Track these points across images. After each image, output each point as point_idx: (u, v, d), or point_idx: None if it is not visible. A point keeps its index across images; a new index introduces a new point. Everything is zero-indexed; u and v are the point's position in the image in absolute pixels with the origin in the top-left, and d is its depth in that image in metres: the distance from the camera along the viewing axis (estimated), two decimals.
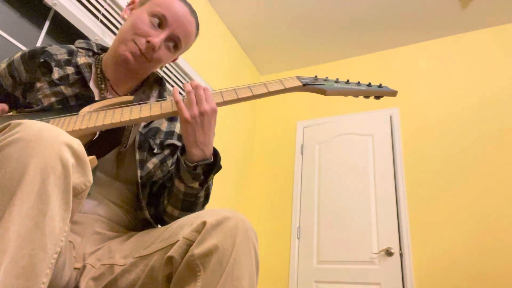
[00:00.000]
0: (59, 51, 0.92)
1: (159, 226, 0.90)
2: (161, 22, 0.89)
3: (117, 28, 1.97)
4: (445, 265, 2.35)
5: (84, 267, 0.75)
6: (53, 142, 0.52)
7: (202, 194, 0.85)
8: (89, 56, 0.95)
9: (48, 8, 1.70)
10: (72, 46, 0.95)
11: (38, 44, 1.64)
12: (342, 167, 2.90)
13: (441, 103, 2.82)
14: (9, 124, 0.54)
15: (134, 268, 0.68)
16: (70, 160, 0.54)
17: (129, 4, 0.96)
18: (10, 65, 0.91)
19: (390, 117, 2.93)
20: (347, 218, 2.71)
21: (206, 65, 2.78)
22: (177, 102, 0.77)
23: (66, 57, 0.91)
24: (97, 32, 1.83)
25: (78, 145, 0.56)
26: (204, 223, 0.62)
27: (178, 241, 0.63)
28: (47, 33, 1.69)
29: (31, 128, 0.52)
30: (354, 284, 2.50)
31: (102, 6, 1.88)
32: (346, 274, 2.55)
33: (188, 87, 0.78)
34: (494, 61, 2.77)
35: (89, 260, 0.76)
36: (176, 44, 0.92)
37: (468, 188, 2.49)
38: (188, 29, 0.91)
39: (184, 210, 0.86)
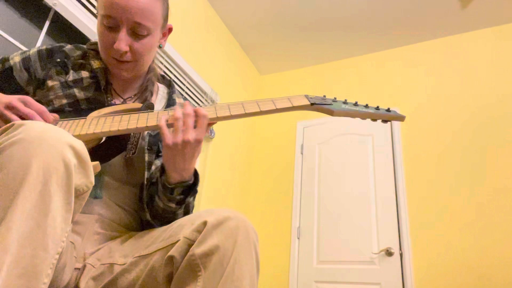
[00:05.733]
0: (75, 53, 0.92)
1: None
2: (113, 22, 0.82)
3: None
4: (445, 265, 2.35)
5: (84, 267, 0.75)
6: (55, 143, 0.52)
7: (180, 211, 0.85)
8: (100, 59, 0.94)
9: (48, 8, 1.70)
10: (85, 47, 0.96)
11: (38, 44, 1.64)
12: (342, 167, 2.90)
13: (441, 103, 2.82)
14: (12, 125, 0.54)
15: (134, 267, 0.68)
16: (73, 161, 0.54)
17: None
18: (25, 60, 0.90)
19: None
20: (347, 218, 2.71)
21: (206, 65, 2.78)
22: (160, 127, 0.75)
23: (81, 60, 0.92)
24: None
25: (81, 146, 0.56)
26: (205, 223, 0.62)
27: (178, 240, 0.63)
28: (47, 33, 1.69)
29: (33, 128, 0.52)
30: (354, 284, 2.50)
31: None
32: (346, 274, 2.55)
33: (178, 114, 0.75)
34: (494, 61, 2.77)
35: (89, 260, 0.76)
36: (140, 29, 0.84)
37: (468, 187, 2.49)
38: (141, 8, 0.82)
39: (162, 222, 0.85)
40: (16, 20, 1.57)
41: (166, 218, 0.85)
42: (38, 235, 0.49)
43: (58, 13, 1.71)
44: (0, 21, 1.50)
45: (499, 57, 2.77)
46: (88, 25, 1.79)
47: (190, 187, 0.82)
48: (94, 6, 1.84)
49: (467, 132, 2.64)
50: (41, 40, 1.66)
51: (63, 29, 1.76)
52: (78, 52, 0.93)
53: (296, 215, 2.91)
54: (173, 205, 0.82)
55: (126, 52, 0.84)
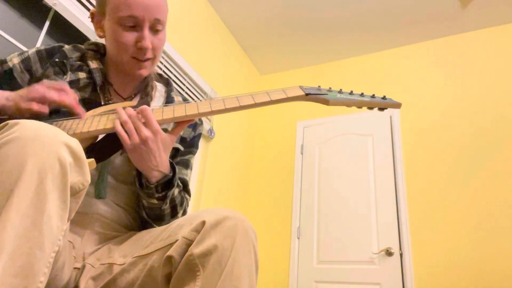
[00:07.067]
0: (74, 54, 0.92)
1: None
2: (134, 21, 0.84)
3: None
4: (445, 265, 2.35)
5: (83, 267, 0.75)
6: (50, 141, 0.52)
7: (166, 207, 0.84)
8: (98, 59, 0.95)
9: (48, 8, 1.70)
10: (83, 48, 0.96)
11: (38, 44, 1.64)
12: (342, 167, 2.90)
13: (441, 103, 2.82)
14: (7, 124, 0.54)
15: (133, 267, 0.68)
16: (68, 159, 0.54)
17: (92, 20, 0.93)
18: (25, 61, 0.89)
19: (390, 117, 2.93)
20: (347, 218, 2.71)
21: (206, 65, 2.78)
22: (118, 133, 0.74)
23: (79, 62, 0.92)
24: None
25: (76, 145, 0.56)
26: (203, 223, 0.62)
27: (177, 240, 0.63)
28: (47, 33, 1.69)
29: (28, 127, 0.52)
30: (354, 284, 2.50)
31: None
32: (346, 274, 2.55)
33: (124, 117, 0.75)
34: (494, 61, 2.77)
35: (88, 260, 0.76)
36: (159, 25, 0.88)
37: (468, 187, 2.49)
38: (159, 5, 0.86)
39: (154, 220, 0.86)
40: (16, 20, 1.57)
41: (155, 215, 0.85)
42: (34, 234, 0.49)
43: (58, 13, 1.71)
44: (0, 21, 1.50)
45: (499, 57, 2.77)
46: (88, 25, 1.79)
47: (169, 181, 0.82)
48: (94, 6, 1.84)
49: (466, 132, 2.64)
50: (41, 40, 1.66)
51: (63, 29, 1.76)
52: (77, 54, 0.93)
53: (296, 215, 2.91)
54: (155, 201, 0.82)
55: (147, 49, 0.86)
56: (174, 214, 0.88)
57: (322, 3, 2.80)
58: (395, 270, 2.44)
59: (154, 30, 0.87)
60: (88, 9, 1.82)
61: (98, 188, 0.82)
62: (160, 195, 0.81)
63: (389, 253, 2.48)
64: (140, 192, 0.82)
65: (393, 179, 2.70)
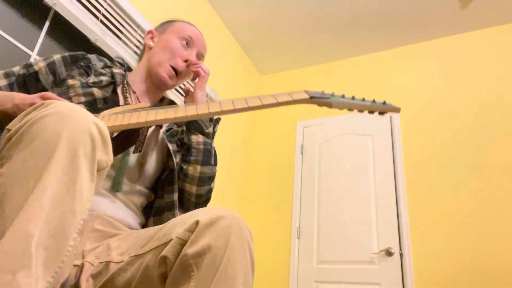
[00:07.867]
0: (98, 63, 1.02)
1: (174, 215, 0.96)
2: (189, 42, 1.07)
3: (117, 28, 1.98)
4: (445, 265, 2.35)
5: (83, 265, 0.75)
6: (83, 119, 0.57)
7: (213, 145, 1.03)
8: (123, 70, 1.07)
9: (48, 8, 1.70)
10: (107, 61, 1.06)
11: (38, 44, 1.65)
12: (342, 167, 2.90)
13: (441, 103, 2.81)
14: (43, 103, 0.59)
15: (129, 266, 0.68)
16: (97, 137, 0.58)
17: (148, 33, 1.12)
18: (51, 64, 0.96)
19: (390, 117, 2.93)
20: (347, 218, 2.71)
21: (206, 65, 2.78)
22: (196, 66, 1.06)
23: (102, 70, 1.01)
24: (97, 32, 1.84)
25: (103, 126, 0.60)
26: (197, 222, 0.62)
27: (171, 240, 0.63)
28: (47, 33, 1.69)
29: (64, 105, 0.58)
30: (354, 284, 2.50)
31: (102, 6, 1.89)
32: (346, 274, 2.55)
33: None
34: (494, 61, 2.77)
35: (88, 257, 0.76)
36: (200, 59, 1.10)
37: (468, 187, 2.48)
38: (205, 47, 1.11)
39: (204, 163, 0.99)
40: (16, 20, 1.57)
41: (207, 154, 1.01)
42: (67, 199, 0.53)
43: (58, 13, 1.71)
44: (0, 21, 1.51)
45: (499, 57, 2.76)
46: (88, 25, 1.80)
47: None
48: (94, 6, 1.85)
49: (467, 131, 2.64)
50: (41, 40, 1.66)
51: (63, 29, 1.76)
52: (101, 63, 1.03)
53: (296, 215, 2.91)
54: (211, 129, 1.04)
55: (188, 66, 1.05)
56: (215, 157, 1.03)
57: (322, 3, 2.80)
58: (395, 270, 2.44)
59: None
60: (88, 9, 1.82)
61: (116, 180, 0.88)
62: (211, 125, 1.05)
63: (389, 253, 2.48)
64: (200, 124, 1.01)
65: (393, 179, 2.70)
